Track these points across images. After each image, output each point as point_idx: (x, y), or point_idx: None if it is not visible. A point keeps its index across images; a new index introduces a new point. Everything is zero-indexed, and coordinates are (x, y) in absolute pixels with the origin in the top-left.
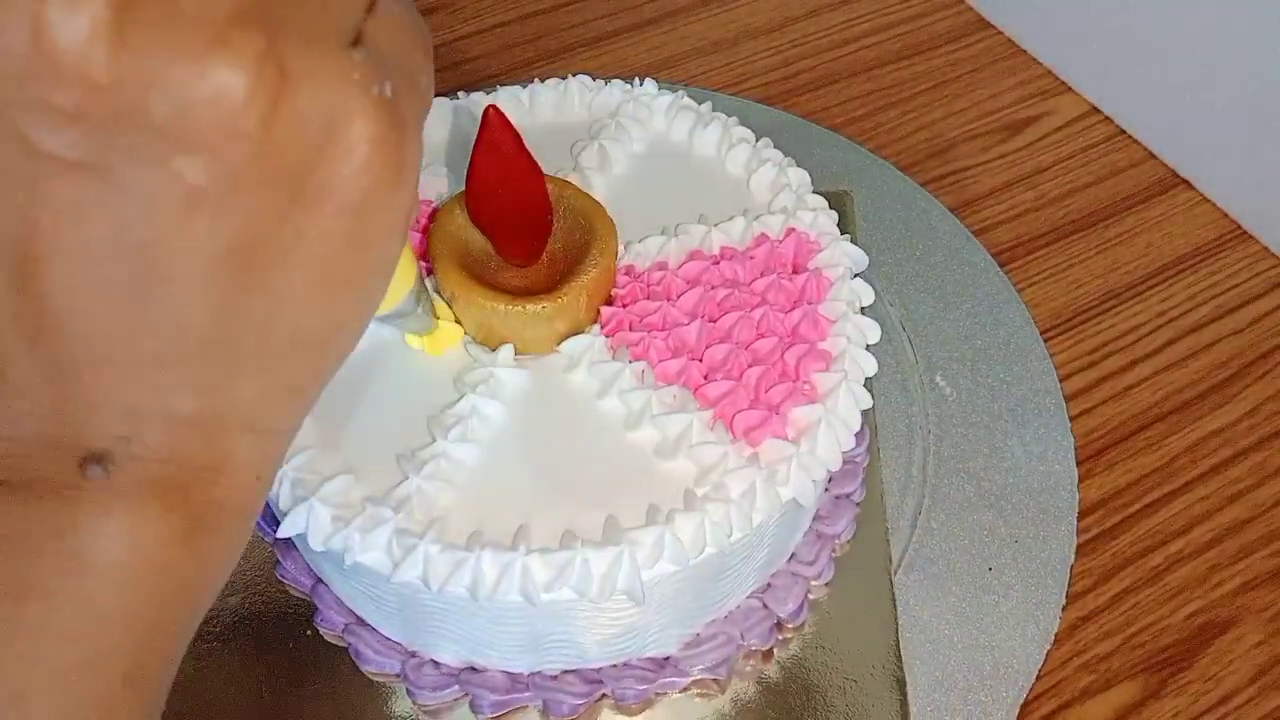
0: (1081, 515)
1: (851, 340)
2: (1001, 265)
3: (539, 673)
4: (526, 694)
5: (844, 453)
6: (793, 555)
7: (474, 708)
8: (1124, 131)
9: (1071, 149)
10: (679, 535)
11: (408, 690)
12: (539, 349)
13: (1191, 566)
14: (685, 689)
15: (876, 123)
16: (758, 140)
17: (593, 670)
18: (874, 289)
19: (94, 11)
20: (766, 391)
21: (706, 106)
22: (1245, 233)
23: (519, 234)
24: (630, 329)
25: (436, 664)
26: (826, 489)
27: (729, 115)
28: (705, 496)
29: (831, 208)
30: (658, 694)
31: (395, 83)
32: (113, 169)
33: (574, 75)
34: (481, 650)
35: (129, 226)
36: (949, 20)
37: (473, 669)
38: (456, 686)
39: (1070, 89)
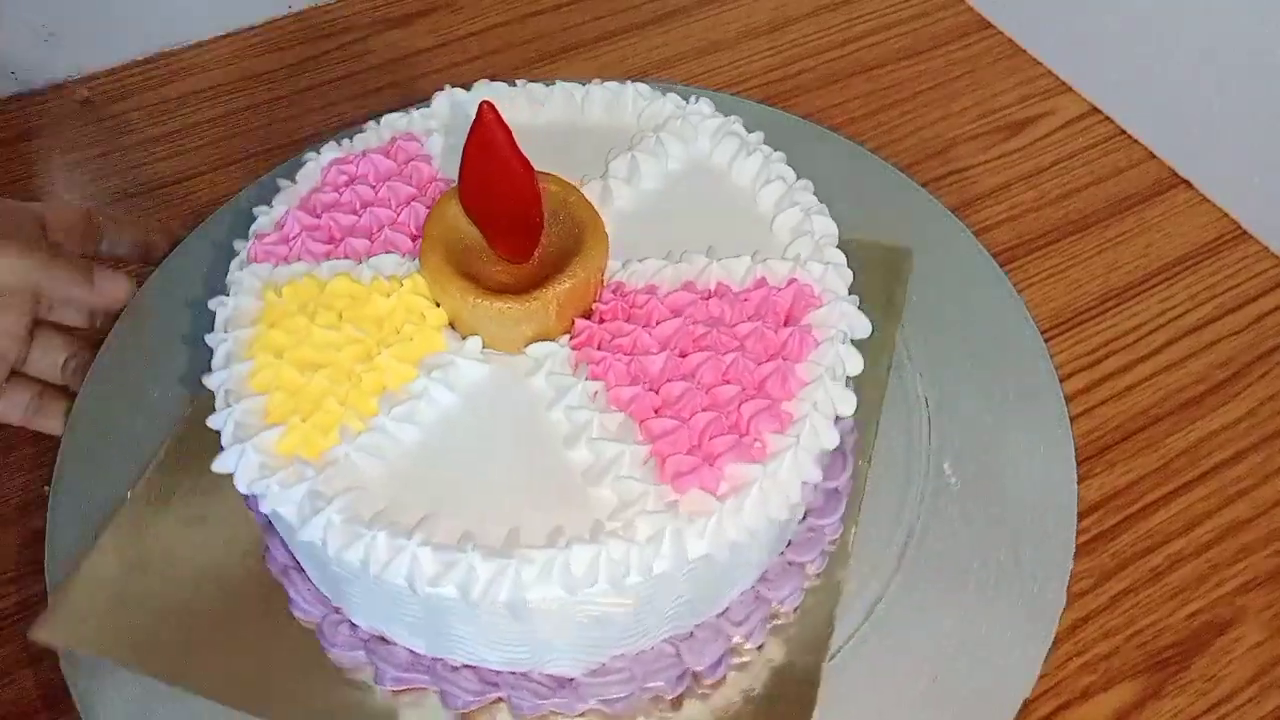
0: (1081, 515)
1: (818, 408)
2: (1001, 265)
3: (441, 660)
4: (425, 677)
5: (800, 522)
6: (726, 610)
7: (377, 678)
8: (1124, 131)
9: (1071, 149)
10: (571, 565)
11: (322, 646)
12: (508, 348)
13: (1191, 566)
14: (583, 714)
15: (876, 122)
16: (797, 180)
17: (492, 672)
18: (906, 355)
19: None
20: (710, 440)
21: (756, 137)
22: (1245, 233)
23: (508, 231)
24: (598, 347)
25: (354, 626)
26: (781, 553)
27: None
28: (611, 532)
29: (861, 262)
30: (553, 712)
31: None
32: None
33: (630, 80)
34: (387, 624)
35: None
36: (949, 20)
37: (382, 639)
38: (363, 652)
39: (1070, 89)
